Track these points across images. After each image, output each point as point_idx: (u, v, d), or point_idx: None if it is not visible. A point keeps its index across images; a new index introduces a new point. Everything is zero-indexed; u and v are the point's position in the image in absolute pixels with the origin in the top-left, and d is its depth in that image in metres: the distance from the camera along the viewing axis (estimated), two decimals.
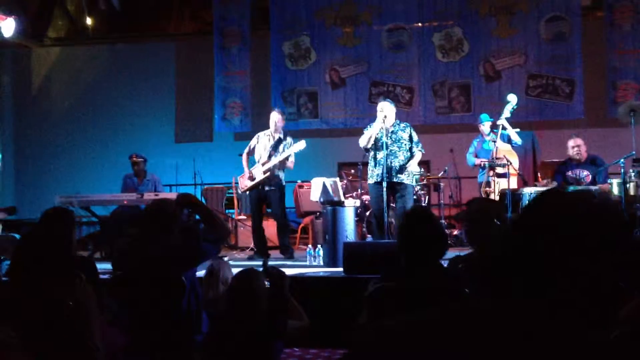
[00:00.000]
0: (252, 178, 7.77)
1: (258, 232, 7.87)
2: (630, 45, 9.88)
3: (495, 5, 10.31)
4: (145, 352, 3.68)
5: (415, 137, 7.16)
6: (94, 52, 12.37)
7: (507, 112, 7.67)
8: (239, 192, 8.42)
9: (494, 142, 7.73)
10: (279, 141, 7.83)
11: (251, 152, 7.99)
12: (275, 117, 7.89)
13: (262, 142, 7.92)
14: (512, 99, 7.71)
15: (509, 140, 7.83)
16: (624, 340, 1.32)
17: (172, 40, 12.15)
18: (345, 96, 10.83)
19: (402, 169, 7.01)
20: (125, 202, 8.24)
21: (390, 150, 6.99)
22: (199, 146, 11.37)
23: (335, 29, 10.85)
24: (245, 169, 7.92)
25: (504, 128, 7.72)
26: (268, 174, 7.66)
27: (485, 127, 8.27)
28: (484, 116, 8.38)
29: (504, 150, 7.68)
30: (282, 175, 7.79)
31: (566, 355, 0.99)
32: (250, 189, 7.83)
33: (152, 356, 3.71)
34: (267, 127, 8.01)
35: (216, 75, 11.19)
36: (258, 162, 7.81)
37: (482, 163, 7.90)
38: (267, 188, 7.72)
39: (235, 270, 3.88)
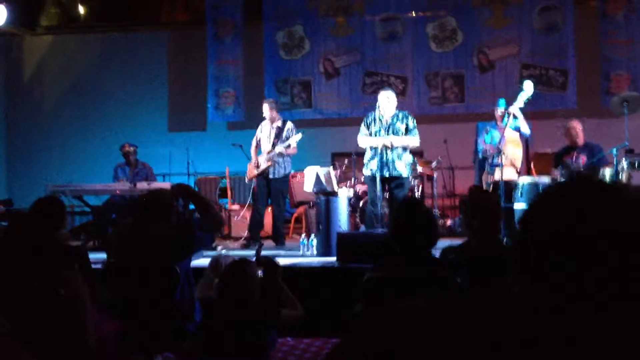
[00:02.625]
0: (258, 166, 7.96)
1: (259, 220, 8.03)
2: (623, 35, 9.89)
3: None
4: (138, 341, 3.69)
5: (411, 125, 7.10)
6: (86, 41, 12.29)
7: (520, 102, 7.23)
8: (246, 180, 8.53)
9: (502, 130, 7.48)
10: (279, 129, 8.01)
11: (258, 142, 8.17)
12: (264, 108, 8.12)
13: (264, 131, 8.12)
14: (528, 87, 7.18)
15: (518, 130, 7.45)
16: None
17: (165, 30, 12.09)
18: (338, 86, 10.82)
19: (406, 164, 7.02)
20: (117, 192, 8.23)
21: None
22: (192, 135, 11.33)
23: (328, 18, 10.82)
24: (254, 157, 8.11)
25: (515, 117, 7.32)
26: (271, 162, 7.87)
27: (499, 112, 7.76)
28: (501, 101, 7.86)
29: (511, 139, 7.43)
30: (287, 164, 8.01)
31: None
32: (257, 176, 8.02)
33: (144, 345, 3.71)
34: (261, 117, 8.18)
35: (209, 65, 11.15)
36: (264, 151, 8.02)
37: (487, 151, 7.64)
38: (271, 176, 7.93)
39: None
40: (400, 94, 10.38)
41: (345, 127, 9.84)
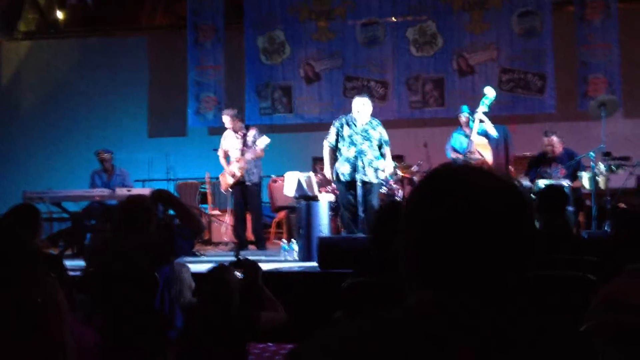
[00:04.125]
0: (233, 175, 8.08)
1: (242, 226, 8.19)
2: (600, 39, 9.99)
3: (468, 1, 10.36)
4: (119, 349, 3.66)
5: (385, 136, 7.16)
6: (65, 46, 12.20)
7: (484, 107, 7.55)
8: (222, 190, 8.61)
9: (468, 137, 7.72)
10: (244, 136, 8.19)
11: (226, 152, 8.32)
12: (225, 120, 8.30)
13: (230, 141, 8.28)
14: (489, 92, 7.56)
15: (486, 134, 7.74)
16: (586, 336, 1.31)
17: (145, 35, 12.03)
18: (319, 91, 10.82)
19: (376, 170, 7.04)
20: (96, 198, 8.17)
21: (361, 149, 7.00)
22: (172, 141, 11.28)
23: (309, 23, 10.82)
24: (225, 167, 8.24)
25: (481, 121, 7.62)
26: (243, 169, 8.03)
27: (463, 118, 8.08)
28: (464, 107, 8.19)
29: (478, 144, 7.65)
30: (258, 170, 8.19)
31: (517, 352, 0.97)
32: (232, 186, 8.14)
33: (125, 353, 3.68)
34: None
35: (190, 70, 11.10)
36: (233, 160, 8.15)
37: (457, 157, 7.86)
38: (247, 183, 8.10)
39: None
40: (381, 99, 10.42)
41: (326, 132, 9.83)
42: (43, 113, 11.96)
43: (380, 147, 7.14)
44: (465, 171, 1.08)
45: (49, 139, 11.78)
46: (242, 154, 8.05)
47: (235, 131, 8.22)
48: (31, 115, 12.07)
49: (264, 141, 7.97)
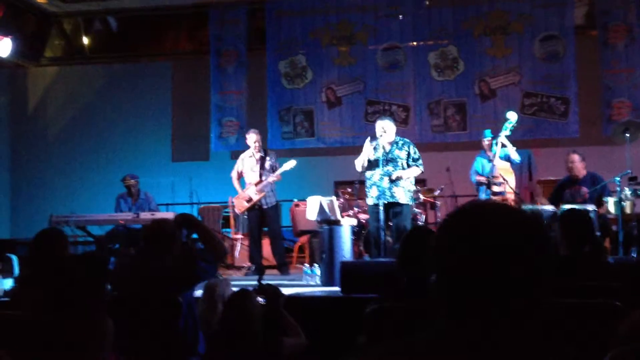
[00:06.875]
0: (248, 199, 8.04)
1: (258, 250, 8.14)
2: (624, 64, 9.94)
3: (489, 26, 10.37)
4: None
5: (414, 154, 7.14)
6: (90, 72, 12.39)
7: (507, 131, 7.51)
8: (237, 212, 8.63)
9: (491, 161, 7.68)
10: (262, 159, 8.17)
11: (240, 175, 8.29)
12: (255, 138, 8.23)
13: (247, 164, 8.26)
14: (512, 116, 7.53)
15: (508, 158, 7.72)
16: None
17: (168, 60, 12.19)
18: (341, 115, 10.85)
19: (405, 190, 7.03)
20: (121, 222, 8.23)
21: (386, 170, 7.00)
22: (195, 165, 11.37)
23: (331, 48, 10.90)
24: (239, 190, 8.23)
25: (503, 145, 7.59)
26: (263, 193, 7.99)
27: (486, 142, 8.08)
28: (487, 132, 8.18)
29: (501, 168, 7.60)
30: (274, 193, 8.19)
31: None
32: (249, 209, 8.13)
33: None
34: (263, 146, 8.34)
35: (212, 95, 11.21)
36: (250, 183, 8.14)
37: (480, 181, 7.82)
38: (264, 207, 8.06)
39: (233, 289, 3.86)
40: (402, 123, 10.43)
41: (348, 156, 9.80)
42: (69, 138, 12.13)
43: (409, 166, 7.11)
44: (486, 209, 1.18)
45: (74, 163, 11.93)
46: (260, 176, 8.05)
47: (258, 151, 8.21)
48: (57, 139, 12.24)
49: (290, 164, 7.98)
